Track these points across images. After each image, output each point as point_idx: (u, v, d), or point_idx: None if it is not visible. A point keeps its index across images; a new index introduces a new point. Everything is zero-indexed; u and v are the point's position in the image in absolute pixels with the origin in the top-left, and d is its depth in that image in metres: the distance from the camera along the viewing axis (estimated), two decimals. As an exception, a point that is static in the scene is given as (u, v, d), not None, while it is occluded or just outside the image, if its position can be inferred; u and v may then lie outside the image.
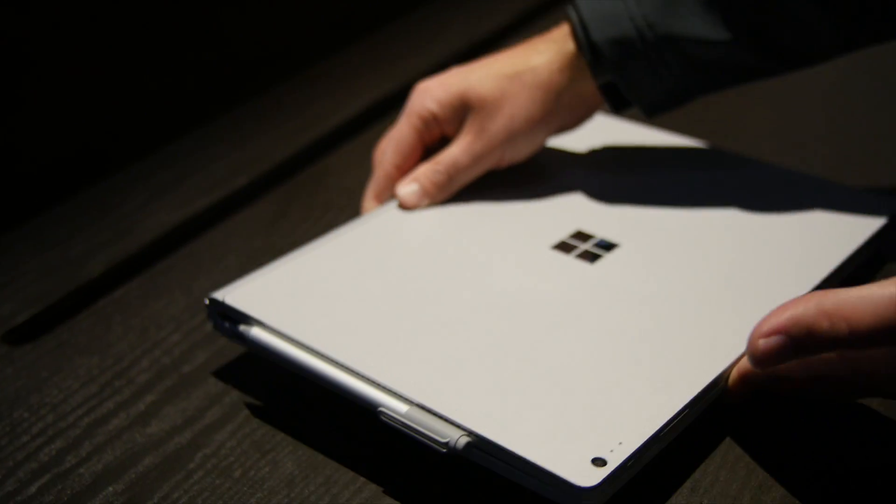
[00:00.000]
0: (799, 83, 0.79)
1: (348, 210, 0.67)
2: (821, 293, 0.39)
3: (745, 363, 0.45)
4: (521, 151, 0.60)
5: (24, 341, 0.57)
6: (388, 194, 0.60)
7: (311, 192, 0.71)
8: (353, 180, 0.71)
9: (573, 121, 0.61)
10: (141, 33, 0.80)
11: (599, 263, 0.53)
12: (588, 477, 0.39)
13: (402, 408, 0.44)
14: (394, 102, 0.83)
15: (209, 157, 0.77)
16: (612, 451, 0.41)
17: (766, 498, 0.43)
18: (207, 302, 0.51)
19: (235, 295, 0.50)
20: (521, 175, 0.62)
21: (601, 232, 0.56)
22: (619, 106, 0.61)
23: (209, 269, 0.62)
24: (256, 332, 0.49)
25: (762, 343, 0.40)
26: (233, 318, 0.50)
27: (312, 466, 0.46)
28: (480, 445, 0.42)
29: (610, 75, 0.58)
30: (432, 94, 0.59)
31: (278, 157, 0.75)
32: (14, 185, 0.74)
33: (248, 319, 0.49)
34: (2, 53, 0.71)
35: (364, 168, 0.73)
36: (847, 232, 0.55)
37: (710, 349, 0.46)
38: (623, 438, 0.41)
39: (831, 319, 0.38)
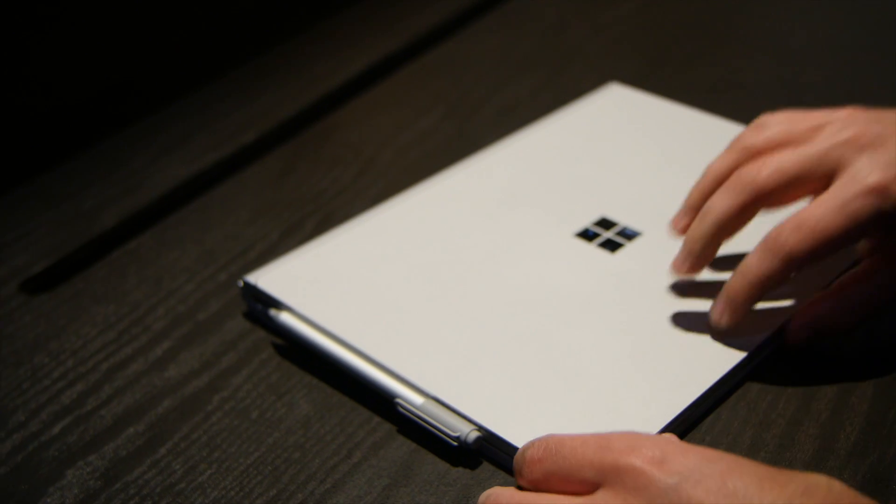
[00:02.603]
0: (815, 48, 0.81)
1: (354, 165, 0.69)
2: None
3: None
4: None
5: (41, 290, 0.59)
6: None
7: (317, 148, 0.72)
8: (358, 136, 0.73)
9: None
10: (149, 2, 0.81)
11: (620, 253, 0.54)
12: None
13: (417, 400, 0.45)
14: (397, 61, 0.84)
15: (216, 113, 0.78)
16: None
17: (767, 435, 0.45)
18: (241, 285, 0.53)
19: (266, 279, 0.52)
20: (548, 155, 0.63)
21: (625, 219, 0.56)
22: None
23: (220, 221, 0.64)
24: (285, 318, 0.51)
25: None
26: (263, 301, 0.52)
27: (327, 407, 0.48)
28: (490, 440, 0.43)
29: None
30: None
31: (284, 114, 0.76)
32: (23, 140, 0.75)
33: (277, 304, 0.51)
34: (9, 10, 0.72)
35: (368, 124, 0.74)
36: None
37: (723, 347, 0.47)
38: None
39: None
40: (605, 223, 0.56)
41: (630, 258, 0.53)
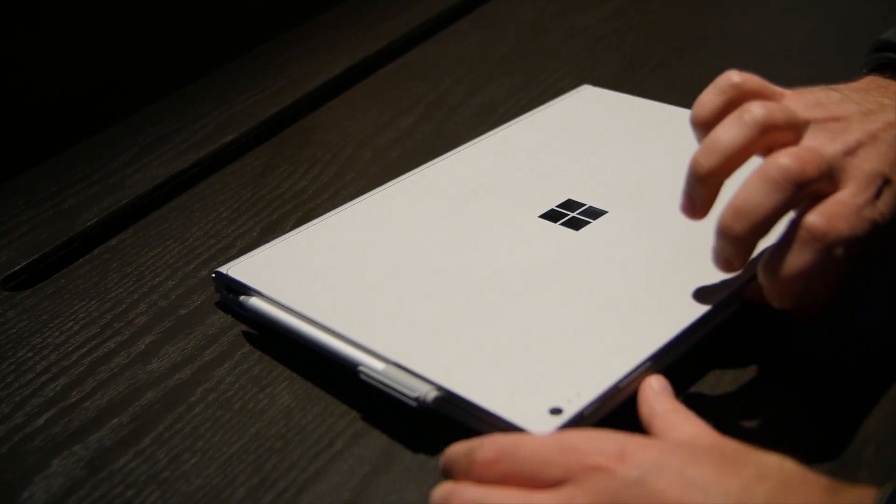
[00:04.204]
0: (791, 50, 0.82)
1: (334, 164, 0.69)
2: None
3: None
4: None
5: (23, 287, 0.59)
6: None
7: (297, 148, 0.73)
8: (337, 136, 0.73)
9: None
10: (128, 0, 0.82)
11: (584, 230, 0.55)
12: (544, 424, 0.42)
13: (378, 366, 0.46)
14: (376, 62, 0.85)
15: (195, 114, 0.78)
16: (569, 401, 0.43)
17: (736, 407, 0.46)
18: (214, 275, 0.54)
19: (237, 268, 0.54)
20: (516, 148, 0.64)
21: (591, 200, 0.57)
22: None
23: (200, 219, 0.64)
24: (254, 302, 0.52)
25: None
26: (235, 290, 0.53)
27: (309, 398, 0.48)
28: (448, 399, 0.44)
29: None
30: None
31: (264, 114, 0.77)
32: (2, 140, 0.75)
33: (247, 290, 0.52)
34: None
35: (347, 125, 0.75)
36: None
37: (676, 308, 0.48)
38: (581, 389, 0.44)
39: None
40: (571, 204, 0.57)
41: (593, 233, 0.55)
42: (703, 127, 0.47)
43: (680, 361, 0.47)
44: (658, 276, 0.51)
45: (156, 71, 0.84)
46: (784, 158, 0.43)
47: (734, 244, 0.43)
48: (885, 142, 0.46)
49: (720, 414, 0.45)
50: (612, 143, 0.64)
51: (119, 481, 0.44)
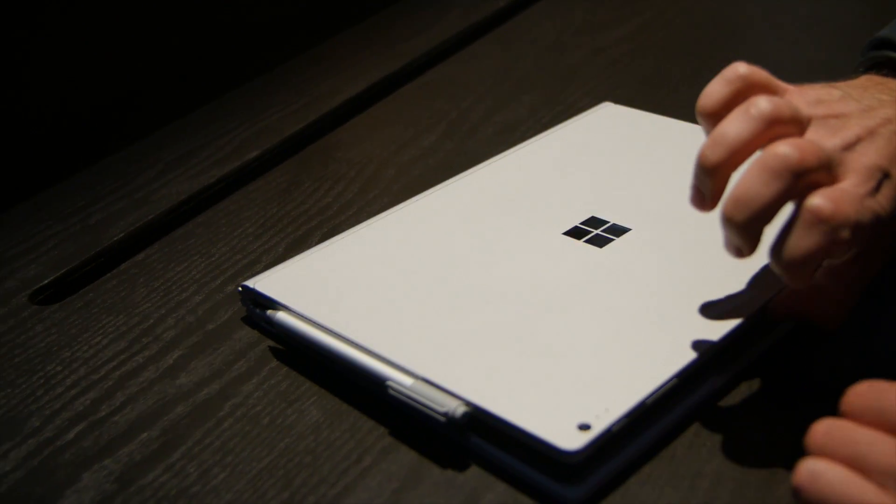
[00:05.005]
0: (810, 70, 0.82)
1: (357, 181, 0.70)
2: None
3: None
4: None
5: (51, 301, 0.60)
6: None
7: (320, 165, 0.73)
8: (360, 153, 0.74)
9: None
10: (152, 11, 0.82)
11: (608, 247, 0.55)
12: (572, 440, 0.42)
13: (407, 381, 0.47)
14: (398, 80, 0.86)
15: (219, 131, 0.79)
16: (597, 417, 0.43)
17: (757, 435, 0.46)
18: (240, 290, 0.55)
19: (264, 282, 0.54)
20: (539, 164, 0.65)
21: (614, 218, 0.58)
22: None
23: (226, 234, 0.65)
24: (281, 316, 0.52)
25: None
26: (262, 305, 0.54)
27: (337, 414, 0.49)
28: (477, 415, 0.45)
29: None
30: None
31: (287, 131, 0.78)
32: (28, 156, 0.76)
33: (274, 305, 0.53)
34: (14, 25, 0.73)
35: (370, 143, 0.76)
36: None
37: (704, 327, 0.48)
38: (609, 405, 0.44)
39: None
40: (595, 221, 0.58)
41: (617, 251, 0.55)
42: (710, 117, 0.47)
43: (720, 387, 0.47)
44: (684, 294, 0.51)
45: (179, 88, 0.85)
46: (783, 147, 0.43)
47: (738, 233, 0.44)
48: (884, 137, 0.46)
49: (749, 428, 0.45)
50: (634, 161, 0.64)
51: (150, 495, 0.45)
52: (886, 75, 0.54)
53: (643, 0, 0.99)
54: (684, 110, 0.71)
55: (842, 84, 0.51)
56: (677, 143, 0.66)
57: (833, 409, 0.47)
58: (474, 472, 0.45)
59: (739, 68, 0.47)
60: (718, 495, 0.43)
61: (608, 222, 0.57)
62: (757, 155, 0.45)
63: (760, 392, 0.48)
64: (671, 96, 0.78)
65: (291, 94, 0.84)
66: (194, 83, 0.86)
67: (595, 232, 0.57)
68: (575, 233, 0.57)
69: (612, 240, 0.56)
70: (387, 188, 0.69)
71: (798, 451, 0.44)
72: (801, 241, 0.43)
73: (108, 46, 0.80)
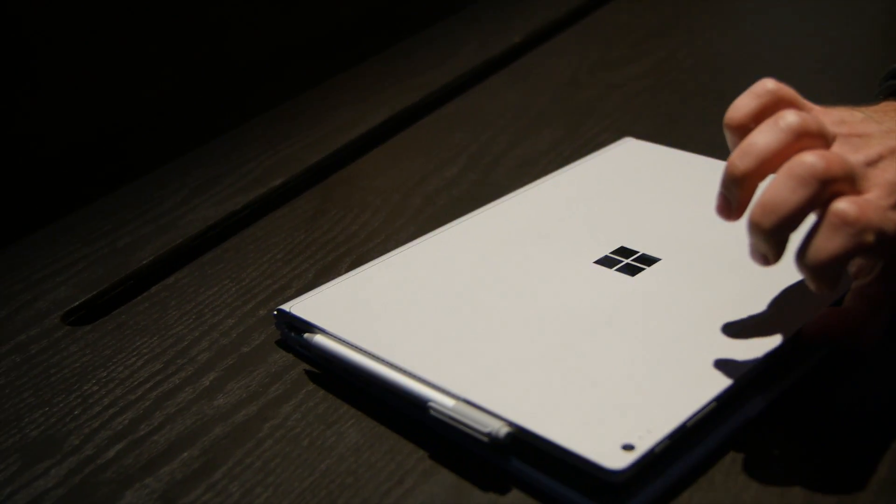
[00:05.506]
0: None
1: (383, 210, 0.71)
2: None
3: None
4: None
5: (84, 322, 0.60)
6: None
7: (345, 194, 0.74)
8: (384, 183, 0.75)
9: None
10: (176, 36, 0.83)
11: (640, 276, 0.56)
12: (617, 460, 0.43)
13: (448, 402, 0.47)
14: (414, 114, 0.87)
15: (242, 158, 0.80)
16: (640, 437, 0.44)
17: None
18: (276, 314, 0.55)
19: (300, 306, 0.55)
20: (565, 196, 0.66)
21: (644, 248, 0.59)
22: None
23: (255, 259, 0.65)
24: (318, 340, 0.53)
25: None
26: (297, 328, 0.54)
27: (377, 436, 0.49)
28: (520, 436, 0.45)
29: None
30: None
31: (310, 159, 0.79)
32: (52, 179, 0.76)
33: (310, 328, 0.53)
34: (42, 49, 0.74)
35: (393, 173, 0.77)
36: None
37: (742, 350, 0.49)
38: (651, 427, 0.45)
39: None
40: (625, 251, 0.59)
41: (649, 280, 0.56)
42: (737, 130, 0.48)
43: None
44: (720, 319, 0.52)
45: (201, 115, 0.86)
46: (810, 157, 0.45)
47: (765, 239, 0.45)
48: None
49: (785, 456, 0.46)
50: (660, 194, 0.66)
51: (195, 513, 0.45)
52: None
53: (656, 39, 1.01)
54: (702, 147, 0.73)
55: (863, 108, 0.53)
56: (701, 178, 0.67)
57: (871, 436, 0.48)
58: (516, 495, 0.46)
59: (768, 84, 0.49)
60: (759, 520, 0.43)
61: (638, 252, 0.58)
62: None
63: (796, 419, 0.49)
64: (688, 133, 0.79)
65: (310, 124, 0.85)
66: (215, 110, 0.87)
67: (625, 261, 0.57)
68: (606, 262, 0.58)
69: (643, 269, 0.57)
70: (413, 217, 0.69)
71: (836, 478, 0.45)
72: (827, 244, 0.44)
73: (134, 73, 0.81)
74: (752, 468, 0.46)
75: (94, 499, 0.46)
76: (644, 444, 0.44)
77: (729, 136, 0.49)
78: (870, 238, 0.44)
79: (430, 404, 0.47)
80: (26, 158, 0.77)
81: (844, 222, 0.44)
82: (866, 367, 0.52)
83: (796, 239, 0.45)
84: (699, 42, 1.00)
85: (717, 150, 0.73)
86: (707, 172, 0.68)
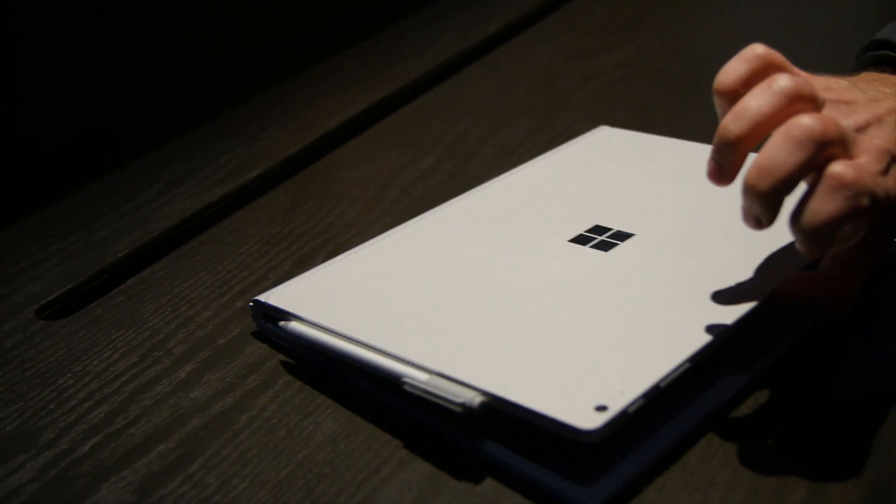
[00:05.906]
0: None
1: (360, 201, 0.71)
2: None
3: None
4: None
5: (59, 317, 0.60)
6: None
7: (322, 185, 0.74)
8: (361, 174, 0.75)
9: None
10: (151, 29, 0.83)
11: (614, 251, 0.57)
12: (590, 421, 0.43)
13: (423, 377, 0.47)
14: (392, 105, 0.87)
15: (218, 150, 0.80)
16: (613, 398, 0.44)
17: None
18: (252, 304, 0.55)
19: (276, 296, 0.55)
20: (541, 181, 0.66)
21: (618, 225, 0.59)
22: None
23: (232, 252, 0.65)
24: (294, 326, 0.53)
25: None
26: (274, 319, 0.54)
27: (353, 426, 0.49)
28: (494, 404, 0.46)
29: None
30: None
31: (286, 151, 0.78)
32: (28, 173, 0.76)
33: (286, 317, 0.53)
34: (20, 43, 0.73)
35: (370, 164, 0.77)
36: None
37: (716, 313, 0.50)
38: (624, 388, 0.45)
39: None
40: (599, 229, 0.59)
41: (623, 255, 0.56)
42: (727, 95, 0.48)
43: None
44: (694, 286, 0.52)
45: (177, 107, 0.86)
46: (807, 119, 0.45)
47: (760, 202, 0.45)
48: (890, 124, 0.49)
49: (761, 437, 0.46)
50: (635, 175, 0.66)
51: (171, 505, 0.45)
52: (884, 72, 0.56)
53: (631, 29, 1.01)
54: (676, 136, 0.73)
55: (845, 77, 0.53)
56: (677, 159, 0.68)
57: (845, 418, 0.48)
58: (491, 483, 0.46)
59: (757, 48, 0.49)
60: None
61: (612, 229, 0.59)
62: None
63: (771, 401, 0.49)
64: (663, 122, 0.80)
65: (287, 116, 0.85)
66: (190, 103, 0.87)
67: (600, 238, 0.58)
68: (580, 239, 0.58)
69: (617, 244, 0.57)
70: (390, 208, 0.70)
71: (810, 459, 0.46)
72: (823, 206, 0.44)
73: (110, 66, 0.81)
74: (727, 450, 0.46)
75: (70, 493, 0.46)
76: (617, 405, 0.44)
77: (718, 102, 0.49)
78: (864, 202, 0.44)
79: (405, 379, 0.48)
80: (0, 154, 0.76)
81: (842, 185, 0.44)
82: (842, 347, 0.52)
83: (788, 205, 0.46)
84: (674, 32, 1.01)
85: (692, 138, 0.73)
86: (681, 154, 0.68)
